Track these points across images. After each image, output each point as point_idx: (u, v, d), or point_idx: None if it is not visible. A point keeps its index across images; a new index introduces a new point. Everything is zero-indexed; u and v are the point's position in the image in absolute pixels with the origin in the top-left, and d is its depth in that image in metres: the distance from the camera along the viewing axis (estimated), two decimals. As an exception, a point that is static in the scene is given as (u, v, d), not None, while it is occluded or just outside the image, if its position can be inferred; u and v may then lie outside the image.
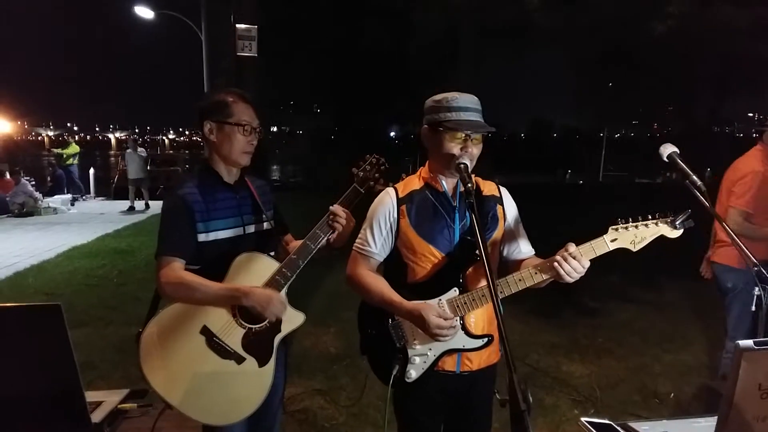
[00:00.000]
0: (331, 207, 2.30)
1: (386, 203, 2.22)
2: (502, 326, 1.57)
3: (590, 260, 1.97)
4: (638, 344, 5.42)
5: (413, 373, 2.18)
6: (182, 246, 2.21)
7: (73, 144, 18.10)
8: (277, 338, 2.28)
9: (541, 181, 28.28)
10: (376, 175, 2.38)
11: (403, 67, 20.30)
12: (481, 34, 14.57)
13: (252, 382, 2.25)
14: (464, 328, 2.15)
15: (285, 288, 2.26)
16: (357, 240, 2.29)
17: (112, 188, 18.61)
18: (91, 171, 18.85)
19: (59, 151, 17.82)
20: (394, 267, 2.27)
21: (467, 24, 14.03)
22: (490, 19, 13.77)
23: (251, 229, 2.39)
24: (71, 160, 17.61)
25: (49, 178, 18.45)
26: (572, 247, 1.96)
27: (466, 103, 2.11)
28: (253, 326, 2.23)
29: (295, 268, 2.25)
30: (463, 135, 2.08)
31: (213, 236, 2.26)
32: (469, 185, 1.89)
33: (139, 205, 15.36)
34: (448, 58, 16.29)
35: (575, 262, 1.93)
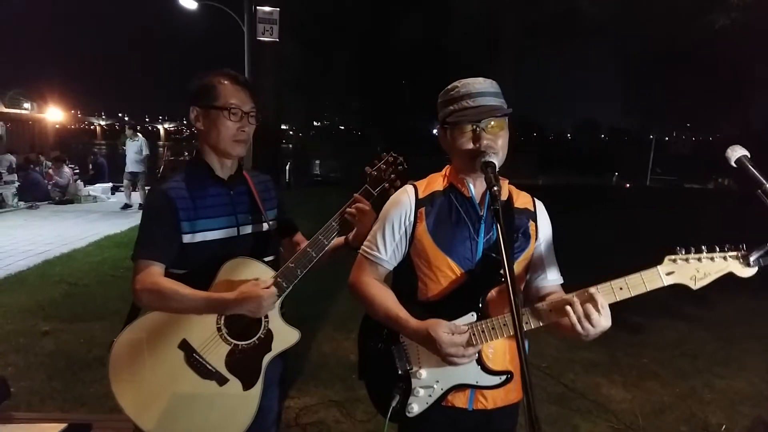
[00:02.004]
0: (355, 194, 2.06)
1: (403, 203, 1.89)
2: (526, 370, 1.31)
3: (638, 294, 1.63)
4: (686, 367, 4.97)
5: (415, 407, 1.86)
6: (162, 248, 1.94)
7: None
8: (266, 358, 1.99)
9: (587, 183, 27.55)
10: (392, 176, 2.07)
11: (444, 63, 19.92)
12: (527, 28, 14.07)
13: (234, 407, 1.96)
14: (480, 360, 1.82)
15: (279, 300, 1.97)
16: (365, 243, 1.97)
17: (157, 177, 18.65)
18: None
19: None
20: (405, 279, 1.94)
21: (511, 18, 13.55)
22: (536, 12, 13.27)
23: (247, 229, 2.10)
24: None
25: (90, 166, 18.66)
26: (598, 297, 1.63)
27: (469, 90, 1.78)
28: (240, 343, 1.95)
29: (292, 277, 1.96)
30: (469, 126, 1.76)
31: (200, 237, 1.98)
32: (495, 188, 1.56)
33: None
34: (491, 54, 15.84)
35: (596, 314, 1.61)
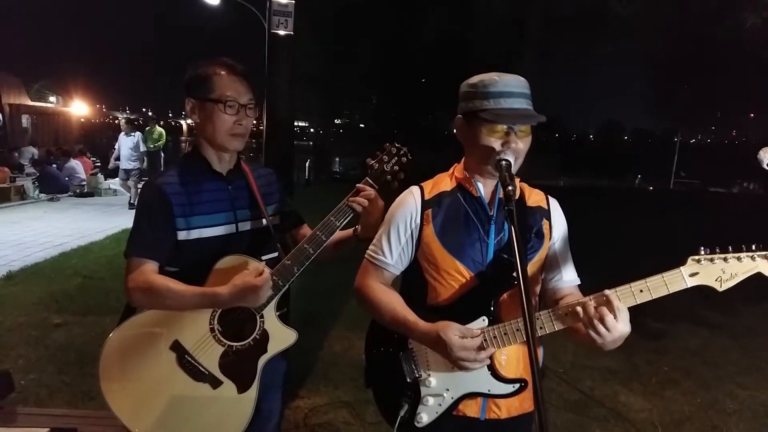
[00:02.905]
0: (358, 185, 1.96)
1: (408, 205, 1.81)
2: (537, 382, 1.27)
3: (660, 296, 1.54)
4: (708, 376, 4.78)
5: (425, 417, 1.76)
6: (155, 246, 1.86)
7: (158, 127, 16.12)
8: (262, 360, 1.90)
9: (610, 185, 27.19)
10: (395, 168, 1.96)
11: (464, 59, 19.76)
12: (551, 25, 13.83)
13: (228, 411, 1.88)
14: (492, 367, 1.72)
15: (275, 299, 1.88)
16: (370, 247, 1.89)
17: None
18: (161, 155, 18.59)
19: (152, 144, 15.16)
20: (413, 283, 1.85)
21: (536, 14, 13.32)
22: (561, 9, 13.03)
23: (246, 226, 2.01)
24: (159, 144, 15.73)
25: (112, 160, 18.75)
26: (614, 299, 1.54)
27: (507, 87, 1.68)
28: (234, 344, 1.86)
29: (289, 276, 1.87)
30: (504, 128, 1.67)
31: (196, 234, 1.90)
32: (510, 188, 1.49)
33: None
34: (514, 51, 15.62)
35: (610, 318, 1.51)
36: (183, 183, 1.90)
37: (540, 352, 1.86)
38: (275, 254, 2.07)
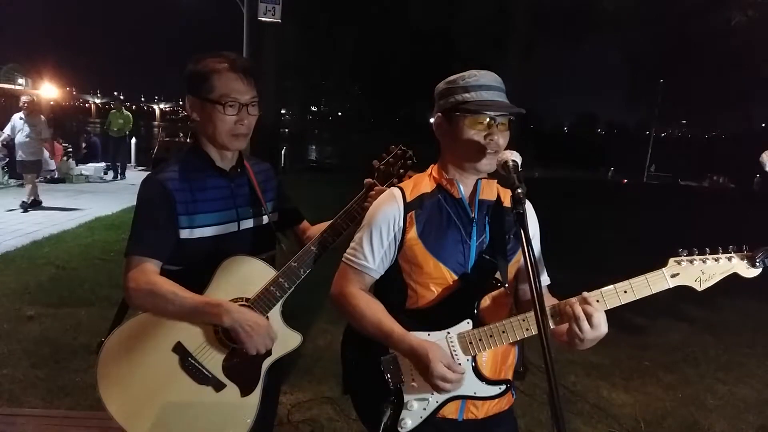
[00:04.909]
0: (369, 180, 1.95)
1: (391, 207, 1.76)
2: (554, 383, 1.36)
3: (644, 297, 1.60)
4: (689, 371, 4.85)
5: (409, 422, 1.73)
6: (158, 244, 1.80)
7: (124, 110, 16.05)
8: (266, 363, 1.86)
9: (582, 177, 27.53)
10: (401, 170, 1.94)
11: (445, 51, 19.78)
12: (533, 19, 13.89)
13: (230, 415, 1.84)
14: (476, 370, 1.70)
15: (280, 302, 1.83)
16: (349, 250, 1.81)
17: (151, 158, 18.15)
18: (133, 141, 18.16)
19: (117, 128, 15.27)
20: (392, 287, 1.80)
21: (522, 10, 13.36)
22: (544, 4, 13.11)
23: (248, 224, 1.96)
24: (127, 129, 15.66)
25: (84, 145, 18.33)
26: (594, 302, 1.59)
27: (487, 81, 1.69)
28: (238, 346, 1.80)
29: (295, 278, 1.83)
30: (487, 119, 1.66)
31: (199, 233, 1.84)
32: (520, 190, 1.48)
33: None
34: (494, 44, 15.65)
35: (597, 315, 1.56)
36: (186, 179, 1.84)
37: (515, 351, 1.86)
38: (274, 251, 2.04)
